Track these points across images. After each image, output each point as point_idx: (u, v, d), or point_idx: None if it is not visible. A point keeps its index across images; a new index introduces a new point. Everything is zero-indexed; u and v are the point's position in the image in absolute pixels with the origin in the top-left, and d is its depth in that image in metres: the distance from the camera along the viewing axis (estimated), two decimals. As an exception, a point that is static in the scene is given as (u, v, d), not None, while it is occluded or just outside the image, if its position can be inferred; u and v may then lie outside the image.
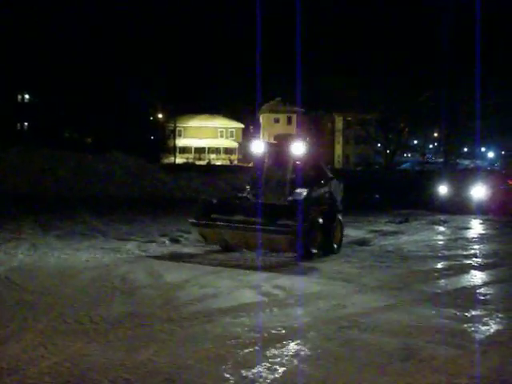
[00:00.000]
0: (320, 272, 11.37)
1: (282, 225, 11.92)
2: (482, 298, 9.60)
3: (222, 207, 13.15)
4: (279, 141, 15.38)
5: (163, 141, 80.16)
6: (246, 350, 6.55)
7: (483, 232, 19.18)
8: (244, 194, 13.84)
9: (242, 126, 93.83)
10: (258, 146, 14.22)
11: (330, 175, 14.44)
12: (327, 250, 13.26)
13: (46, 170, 29.63)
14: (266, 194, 13.49)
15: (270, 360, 6.27)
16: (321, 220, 12.98)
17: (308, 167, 13.88)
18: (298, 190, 12.91)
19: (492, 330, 7.71)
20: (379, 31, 53.52)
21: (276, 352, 6.52)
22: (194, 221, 13.16)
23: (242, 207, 13.05)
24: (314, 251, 12.74)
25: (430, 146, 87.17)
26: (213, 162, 77.61)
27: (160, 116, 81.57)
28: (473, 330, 7.65)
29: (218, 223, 12.73)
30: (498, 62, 48.90)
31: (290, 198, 12.80)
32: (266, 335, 7.10)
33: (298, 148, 13.44)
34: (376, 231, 17.88)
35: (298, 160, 13.58)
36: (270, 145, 14.66)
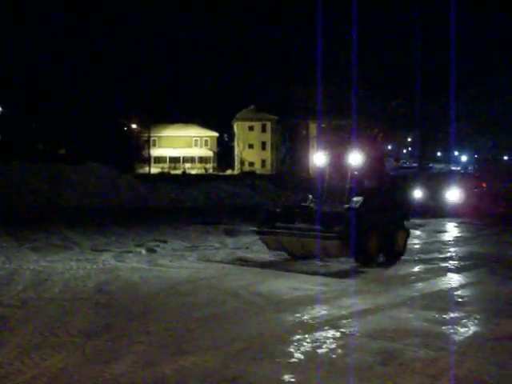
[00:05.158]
0: (297, 277, 11.39)
1: (330, 230, 12.41)
2: (460, 300, 9.67)
3: (285, 216, 13.76)
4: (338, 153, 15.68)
5: (138, 151, 79.78)
6: (228, 360, 6.50)
7: (458, 235, 19.35)
8: (306, 203, 14.22)
9: (217, 134, 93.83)
10: (320, 158, 14.72)
11: (395, 182, 14.75)
12: (390, 256, 13.61)
13: (19, 182, 29.33)
14: (327, 203, 13.86)
15: (251, 368, 6.23)
16: (383, 227, 13.37)
17: (369, 175, 14.24)
18: (355, 199, 13.31)
19: (470, 332, 7.76)
20: (356, 38, 53.80)
21: (258, 360, 6.48)
22: (256, 229, 13.99)
23: (301, 215, 13.64)
24: (378, 258, 13.26)
25: (404, 151, 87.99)
26: (188, 171, 77.45)
27: (134, 126, 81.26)
28: (451, 332, 7.68)
29: (278, 230, 13.37)
30: (471, 68, 49.55)
31: (346, 206, 13.19)
32: (247, 343, 7.07)
33: (355, 158, 13.92)
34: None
35: (356, 170, 14.05)
36: (330, 156, 14.97)
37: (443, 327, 7.91)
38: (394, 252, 13.69)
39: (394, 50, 51.62)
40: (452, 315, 8.57)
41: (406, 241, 14.17)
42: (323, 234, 12.40)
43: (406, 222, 14.38)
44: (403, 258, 13.91)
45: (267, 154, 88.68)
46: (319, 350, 6.85)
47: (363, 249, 12.68)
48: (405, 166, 77.58)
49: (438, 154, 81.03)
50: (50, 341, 7.12)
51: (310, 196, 14.44)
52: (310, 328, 7.76)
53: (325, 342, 7.14)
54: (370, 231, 12.96)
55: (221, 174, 74.16)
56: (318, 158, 14.80)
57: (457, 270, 12.45)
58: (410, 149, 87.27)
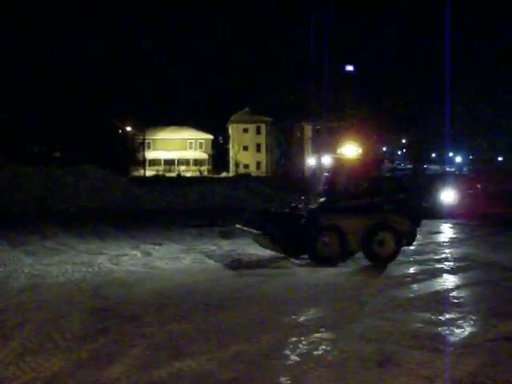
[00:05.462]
0: (292, 279, 11.39)
1: (262, 228, 13.20)
2: (455, 301, 9.67)
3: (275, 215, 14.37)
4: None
5: (132, 153, 79.66)
6: (224, 363, 6.49)
7: (453, 236, 19.36)
8: (295, 204, 14.61)
9: (212, 137, 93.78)
10: (313, 160, 15.26)
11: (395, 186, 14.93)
12: (376, 260, 13.51)
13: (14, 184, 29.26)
14: (315, 204, 14.18)
15: (248, 371, 6.21)
16: (357, 228, 13.37)
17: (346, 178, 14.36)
18: (320, 200, 13.87)
19: (466, 333, 7.76)
20: (350, 41, 53.90)
21: (254, 362, 6.47)
22: (239, 227, 14.77)
23: (276, 215, 14.30)
24: (337, 259, 13.29)
25: (399, 153, 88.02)
26: (183, 174, 77.32)
27: (129, 129, 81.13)
28: (447, 334, 7.69)
29: (244, 228, 14.26)
30: (466, 69, 49.68)
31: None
32: (243, 345, 7.05)
33: (328, 160, 14.64)
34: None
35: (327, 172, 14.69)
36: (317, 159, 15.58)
37: (439, 328, 7.91)
38: (375, 255, 13.51)
39: (390, 50, 51.61)
40: (448, 316, 8.57)
41: (397, 245, 13.71)
42: (259, 232, 13.32)
43: (408, 227, 13.90)
44: (399, 259, 13.86)
45: (262, 156, 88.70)
46: (315, 352, 6.84)
47: (314, 248, 13.11)
48: (400, 167, 77.64)
49: (433, 155, 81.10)
50: (46, 345, 7.10)
51: (303, 197, 14.79)
52: (306, 330, 7.75)
53: (321, 344, 7.13)
54: (327, 232, 13.19)
55: (216, 176, 74.02)
56: (311, 160, 15.04)
57: (452, 271, 12.46)
58: (404, 150, 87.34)
